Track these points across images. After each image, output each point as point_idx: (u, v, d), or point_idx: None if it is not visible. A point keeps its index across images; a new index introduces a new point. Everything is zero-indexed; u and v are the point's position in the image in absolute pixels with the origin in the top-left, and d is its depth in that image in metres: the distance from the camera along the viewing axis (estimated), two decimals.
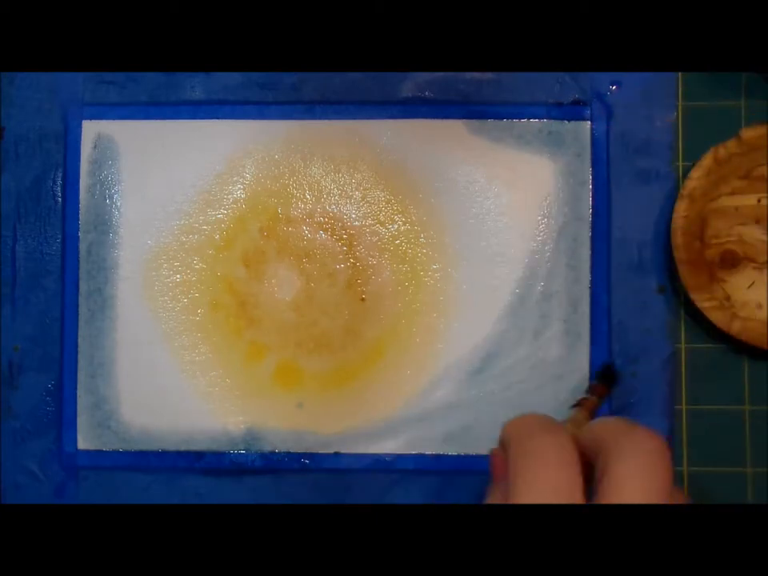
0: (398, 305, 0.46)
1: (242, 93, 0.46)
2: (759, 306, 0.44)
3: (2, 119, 0.46)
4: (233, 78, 0.46)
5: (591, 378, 0.44)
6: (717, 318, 0.43)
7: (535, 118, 0.46)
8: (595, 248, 0.45)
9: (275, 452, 0.46)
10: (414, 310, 0.46)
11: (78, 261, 0.46)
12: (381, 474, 0.45)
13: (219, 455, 0.46)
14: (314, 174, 0.46)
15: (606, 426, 0.32)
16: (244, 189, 0.46)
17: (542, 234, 0.45)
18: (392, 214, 0.46)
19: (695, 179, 0.44)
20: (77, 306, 0.46)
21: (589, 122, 0.45)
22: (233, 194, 0.46)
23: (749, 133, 0.43)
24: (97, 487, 0.46)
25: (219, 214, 0.46)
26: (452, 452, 0.45)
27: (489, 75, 0.46)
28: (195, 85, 0.46)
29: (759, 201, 0.44)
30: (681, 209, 0.44)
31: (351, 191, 0.46)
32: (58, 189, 0.46)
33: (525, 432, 0.32)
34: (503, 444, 0.33)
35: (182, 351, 0.46)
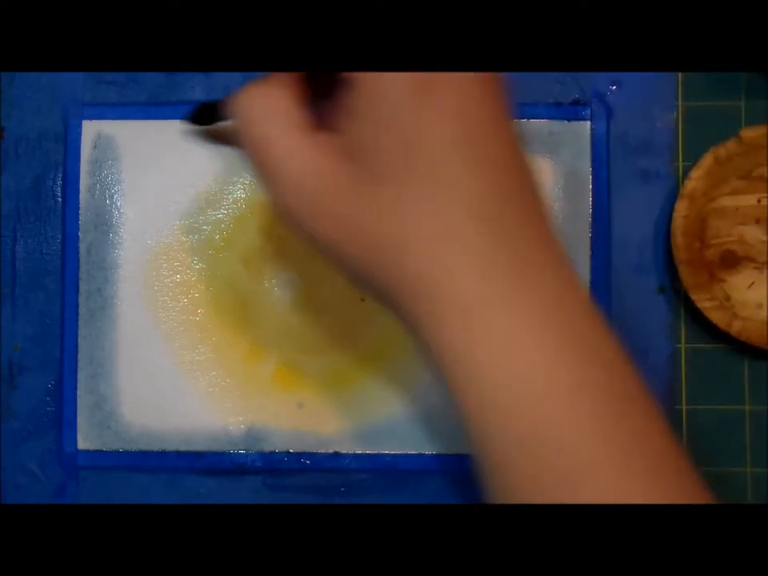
0: None
1: None
2: (759, 306, 0.44)
3: (2, 119, 0.46)
4: (233, 78, 0.46)
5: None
6: (717, 318, 0.43)
7: (535, 118, 0.46)
8: (595, 248, 0.45)
9: (275, 452, 0.46)
10: None
11: (78, 261, 0.46)
12: (381, 474, 0.45)
13: (219, 455, 0.46)
14: None
15: None
16: (244, 189, 0.46)
17: None
18: None
19: (695, 179, 0.44)
20: (77, 305, 0.46)
21: (589, 122, 0.45)
22: (233, 193, 0.46)
23: (749, 133, 0.43)
24: (97, 487, 0.46)
25: (219, 214, 0.46)
26: (452, 452, 0.45)
27: None
28: (195, 85, 0.46)
29: (759, 201, 0.44)
30: (681, 209, 0.44)
31: None
32: (58, 189, 0.46)
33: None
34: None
35: (182, 351, 0.46)
